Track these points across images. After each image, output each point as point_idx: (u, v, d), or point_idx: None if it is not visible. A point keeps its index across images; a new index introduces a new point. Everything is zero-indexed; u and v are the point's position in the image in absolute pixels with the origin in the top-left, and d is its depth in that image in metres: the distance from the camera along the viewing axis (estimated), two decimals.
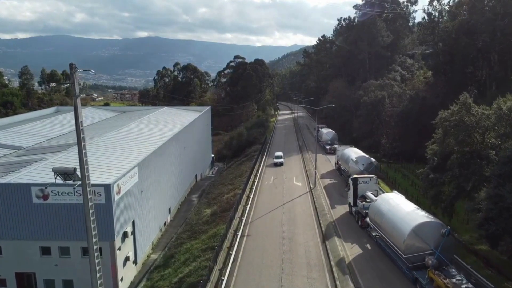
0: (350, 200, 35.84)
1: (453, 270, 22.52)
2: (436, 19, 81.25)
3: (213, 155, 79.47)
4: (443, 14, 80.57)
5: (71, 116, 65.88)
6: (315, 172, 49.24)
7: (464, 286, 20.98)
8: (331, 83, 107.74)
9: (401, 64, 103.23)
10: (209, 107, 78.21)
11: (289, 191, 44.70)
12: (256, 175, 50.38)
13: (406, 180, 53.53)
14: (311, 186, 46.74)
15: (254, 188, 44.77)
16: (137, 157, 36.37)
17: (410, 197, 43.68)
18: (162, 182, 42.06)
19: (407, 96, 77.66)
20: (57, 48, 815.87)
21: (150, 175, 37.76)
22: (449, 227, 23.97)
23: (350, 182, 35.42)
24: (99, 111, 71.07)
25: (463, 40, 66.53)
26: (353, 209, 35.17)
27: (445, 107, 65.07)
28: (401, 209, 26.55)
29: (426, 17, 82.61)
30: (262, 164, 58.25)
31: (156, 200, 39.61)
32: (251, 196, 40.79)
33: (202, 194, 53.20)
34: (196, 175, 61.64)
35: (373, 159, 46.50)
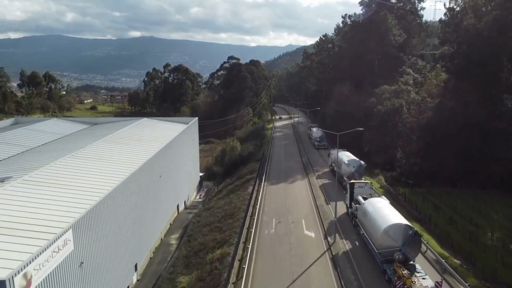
0: (347, 202, 39.13)
1: (417, 265, 26.30)
2: (459, 15, 70.37)
3: (201, 174, 68.02)
4: (467, 9, 69.65)
5: (29, 131, 54.15)
6: (335, 221, 35.79)
7: (420, 275, 24.50)
8: (335, 87, 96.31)
9: (412, 65, 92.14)
10: (196, 118, 66.39)
11: (299, 251, 31.38)
12: (252, 217, 38.35)
13: (443, 216, 42.43)
14: (329, 239, 33.30)
15: (251, 242, 32.02)
16: (79, 207, 24.99)
17: (467, 255, 32.67)
18: (123, 232, 30.73)
19: (427, 104, 66.85)
20: (51, 48, 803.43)
21: (100, 231, 26.43)
22: (416, 229, 27.30)
23: (348, 186, 38.86)
24: (64, 123, 59.34)
25: (497, 39, 55.89)
26: (349, 210, 38.50)
27: (479, 119, 54.50)
28: (381, 212, 29.56)
29: (448, 14, 71.90)
30: (260, 197, 45.43)
31: (112, 263, 28.31)
32: (245, 267, 27.77)
33: (183, 235, 41.72)
34: (178, 205, 50.34)
35: (362, 162, 49.59)
